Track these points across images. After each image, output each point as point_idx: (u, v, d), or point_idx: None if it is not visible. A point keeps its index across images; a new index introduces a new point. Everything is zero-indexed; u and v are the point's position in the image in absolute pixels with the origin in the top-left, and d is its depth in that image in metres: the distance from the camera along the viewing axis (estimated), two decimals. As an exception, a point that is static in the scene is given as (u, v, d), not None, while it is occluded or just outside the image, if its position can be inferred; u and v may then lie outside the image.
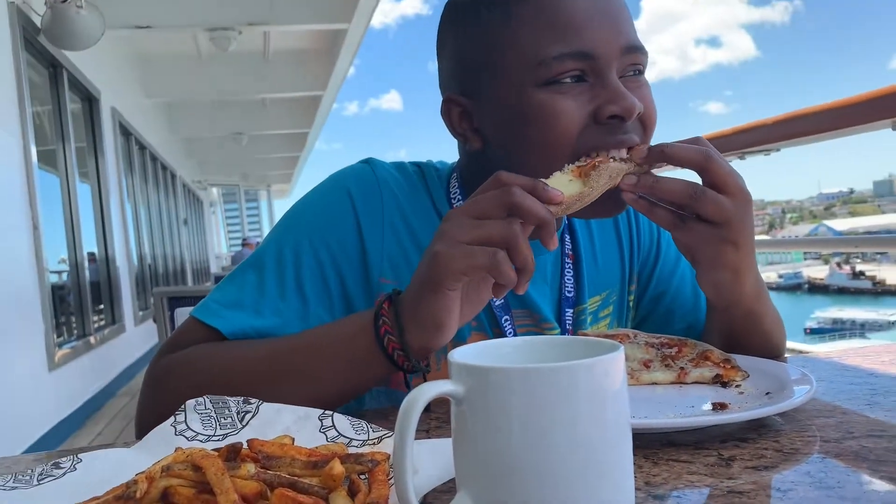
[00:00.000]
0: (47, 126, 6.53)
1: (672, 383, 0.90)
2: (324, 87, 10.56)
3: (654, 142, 0.98)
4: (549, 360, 0.56)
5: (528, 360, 0.57)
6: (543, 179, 0.80)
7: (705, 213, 0.81)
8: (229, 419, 0.78)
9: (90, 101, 7.88)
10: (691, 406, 0.81)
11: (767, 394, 0.81)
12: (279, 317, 0.96)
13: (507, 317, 1.04)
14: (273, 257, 0.99)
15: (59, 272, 6.70)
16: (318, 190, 1.05)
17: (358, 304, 1.00)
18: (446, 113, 1.03)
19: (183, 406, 0.78)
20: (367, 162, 1.07)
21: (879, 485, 0.59)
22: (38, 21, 5.59)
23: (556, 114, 0.91)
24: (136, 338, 8.75)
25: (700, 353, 0.92)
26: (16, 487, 0.68)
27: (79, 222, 6.91)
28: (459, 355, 0.53)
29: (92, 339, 6.84)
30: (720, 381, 0.88)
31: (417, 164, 1.11)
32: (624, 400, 0.51)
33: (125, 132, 9.61)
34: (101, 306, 7.88)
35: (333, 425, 0.77)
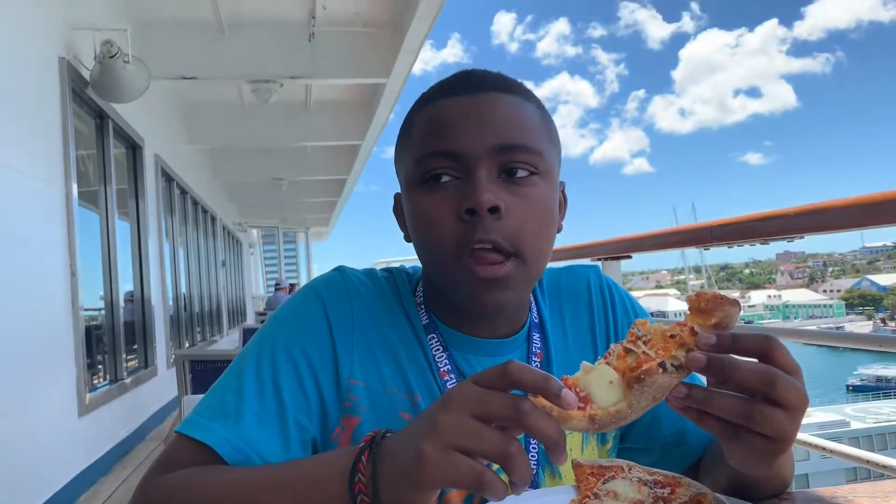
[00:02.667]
0: (91, 171, 6.72)
1: (662, 529, 0.88)
2: (362, 137, 10.75)
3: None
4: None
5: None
6: (588, 364, 0.74)
7: (761, 430, 0.74)
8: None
9: (134, 149, 8.12)
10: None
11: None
12: (260, 424, 0.98)
13: None
14: (252, 365, 1.02)
15: (98, 309, 6.82)
16: (294, 299, 1.10)
17: (331, 406, 1.03)
18: (395, 209, 1.12)
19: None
20: (339, 270, 1.12)
21: None
22: (86, 75, 5.80)
23: (426, 211, 0.98)
24: (168, 381, 8.82)
25: (693, 497, 0.89)
26: None
27: (116, 261, 7.04)
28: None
29: (124, 383, 6.93)
30: (710, 532, 0.85)
31: (388, 270, 1.16)
32: None
33: (167, 177, 9.86)
34: (136, 347, 7.99)
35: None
